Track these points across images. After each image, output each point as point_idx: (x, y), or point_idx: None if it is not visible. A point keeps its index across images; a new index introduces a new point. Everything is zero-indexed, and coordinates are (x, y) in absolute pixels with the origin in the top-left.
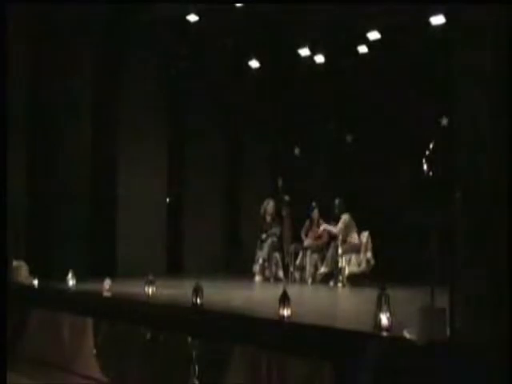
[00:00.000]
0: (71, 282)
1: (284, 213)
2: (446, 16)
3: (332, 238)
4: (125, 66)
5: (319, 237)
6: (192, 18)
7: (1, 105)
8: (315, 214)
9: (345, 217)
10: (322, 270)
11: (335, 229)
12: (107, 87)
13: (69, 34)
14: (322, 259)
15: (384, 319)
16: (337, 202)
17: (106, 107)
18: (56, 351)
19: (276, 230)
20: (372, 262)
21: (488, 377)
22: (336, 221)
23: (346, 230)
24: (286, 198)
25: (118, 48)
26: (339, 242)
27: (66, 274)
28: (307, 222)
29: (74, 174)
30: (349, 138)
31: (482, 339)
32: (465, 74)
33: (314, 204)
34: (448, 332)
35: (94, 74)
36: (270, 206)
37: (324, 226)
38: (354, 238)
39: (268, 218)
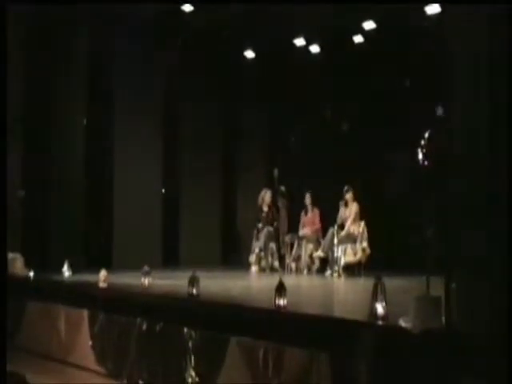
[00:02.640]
0: (67, 273)
1: (280, 203)
2: (443, 8)
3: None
4: (121, 60)
5: (312, 222)
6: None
7: (1, 103)
8: (307, 199)
9: (355, 206)
10: (318, 253)
11: (354, 229)
12: (102, 82)
13: (64, 29)
14: (318, 249)
15: (379, 308)
16: (346, 188)
17: (102, 100)
18: (52, 343)
19: (273, 220)
20: (368, 251)
21: (483, 365)
22: (345, 205)
23: (354, 220)
24: (282, 188)
25: (114, 42)
26: (335, 231)
27: (62, 266)
28: (303, 212)
29: (70, 165)
30: (345, 127)
31: (478, 328)
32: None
33: (309, 192)
34: (443, 320)
35: (90, 68)
36: (267, 195)
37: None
38: (354, 228)
39: (265, 208)
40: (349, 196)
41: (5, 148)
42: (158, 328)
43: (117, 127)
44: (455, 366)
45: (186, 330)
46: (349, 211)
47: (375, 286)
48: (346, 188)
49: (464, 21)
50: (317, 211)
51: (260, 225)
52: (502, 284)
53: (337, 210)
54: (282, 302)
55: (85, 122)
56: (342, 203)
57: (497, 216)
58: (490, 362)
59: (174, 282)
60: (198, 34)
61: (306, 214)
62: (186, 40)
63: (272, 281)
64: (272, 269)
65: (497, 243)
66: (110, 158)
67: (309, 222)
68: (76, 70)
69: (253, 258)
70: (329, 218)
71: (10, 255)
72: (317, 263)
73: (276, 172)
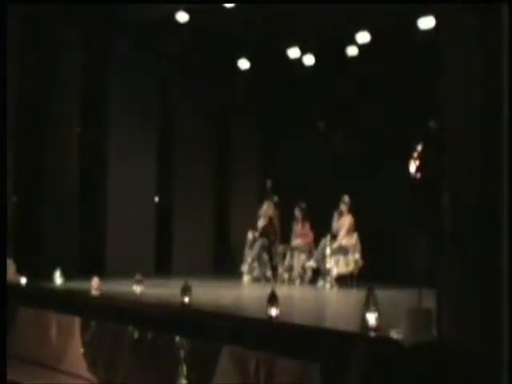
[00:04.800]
0: (59, 280)
1: (273, 213)
2: (436, 17)
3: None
4: (114, 64)
5: (305, 235)
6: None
7: (1, 104)
8: (297, 213)
9: (349, 219)
10: (310, 263)
11: (347, 240)
12: (95, 88)
13: (57, 31)
14: (310, 259)
15: (372, 319)
16: (346, 198)
17: (94, 106)
18: (44, 350)
19: (270, 233)
20: (360, 262)
21: (475, 377)
22: (339, 216)
23: (348, 232)
24: (275, 198)
25: (106, 48)
26: (328, 242)
27: (54, 273)
28: (294, 223)
29: (63, 172)
30: (338, 138)
31: (468, 340)
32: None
33: (302, 204)
34: (435, 333)
35: (83, 74)
36: (270, 208)
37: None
38: (347, 239)
39: (265, 221)
40: (344, 207)
41: (5, 154)
42: (149, 336)
43: (111, 135)
44: (447, 378)
45: (177, 338)
46: (342, 222)
47: (367, 297)
48: (341, 199)
49: (456, 33)
50: (307, 224)
51: (256, 234)
52: (494, 296)
53: (330, 220)
54: (274, 312)
55: (78, 129)
56: (336, 214)
57: (489, 227)
58: (481, 374)
59: (166, 290)
60: (192, 43)
61: (297, 225)
62: (181, 50)
63: (264, 291)
64: (264, 279)
65: (489, 255)
66: (103, 166)
67: (301, 234)
68: (70, 78)
69: (245, 267)
70: (322, 228)
71: None
72: (309, 273)
73: (269, 183)
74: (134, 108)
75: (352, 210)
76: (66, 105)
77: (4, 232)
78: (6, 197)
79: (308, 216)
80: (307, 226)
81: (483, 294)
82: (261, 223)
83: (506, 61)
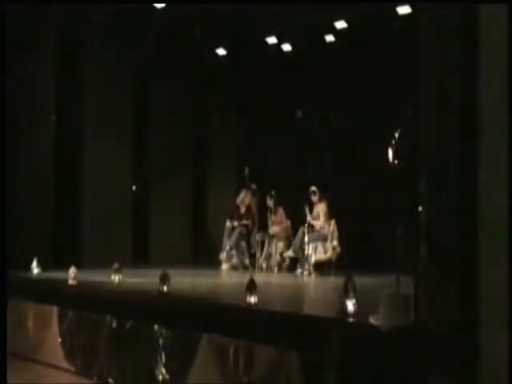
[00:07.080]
0: (36, 270)
1: (251, 201)
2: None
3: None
4: (90, 54)
5: (280, 222)
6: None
7: (1, 104)
8: (270, 202)
9: (323, 207)
10: (289, 253)
11: (317, 223)
12: (71, 76)
13: (30, 22)
14: (288, 247)
15: (350, 305)
16: (313, 188)
17: (70, 94)
18: (21, 340)
19: (248, 221)
20: (338, 249)
21: (453, 362)
22: (311, 208)
23: (324, 220)
24: (253, 186)
25: (81, 37)
26: (306, 230)
27: (31, 263)
28: (268, 213)
29: (37, 161)
30: (318, 125)
31: (445, 325)
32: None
33: (272, 192)
34: (412, 318)
35: (57, 63)
36: (247, 197)
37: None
38: (324, 227)
39: (243, 209)
40: (314, 198)
41: (4, 154)
42: (128, 325)
43: (87, 124)
44: (425, 363)
45: (156, 327)
46: (317, 212)
47: (346, 284)
48: (311, 189)
49: (434, 20)
50: (281, 210)
51: (234, 223)
52: (473, 282)
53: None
54: (252, 299)
55: (54, 118)
56: (307, 204)
57: (465, 214)
58: (459, 359)
59: (144, 279)
60: (168, 33)
61: (271, 214)
62: (157, 39)
63: (243, 279)
64: (243, 267)
65: (468, 240)
66: (79, 156)
67: (277, 221)
68: (44, 65)
69: (223, 255)
70: (298, 217)
71: None
72: (287, 261)
73: (247, 170)
74: (110, 95)
75: (324, 198)
76: (40, 93)
77: (4, 232)
78: (5, 197)
79: (279, 203)
80: (280, 212)
81: (457, 280)
82: (239, 211)
83: (505, 58)
